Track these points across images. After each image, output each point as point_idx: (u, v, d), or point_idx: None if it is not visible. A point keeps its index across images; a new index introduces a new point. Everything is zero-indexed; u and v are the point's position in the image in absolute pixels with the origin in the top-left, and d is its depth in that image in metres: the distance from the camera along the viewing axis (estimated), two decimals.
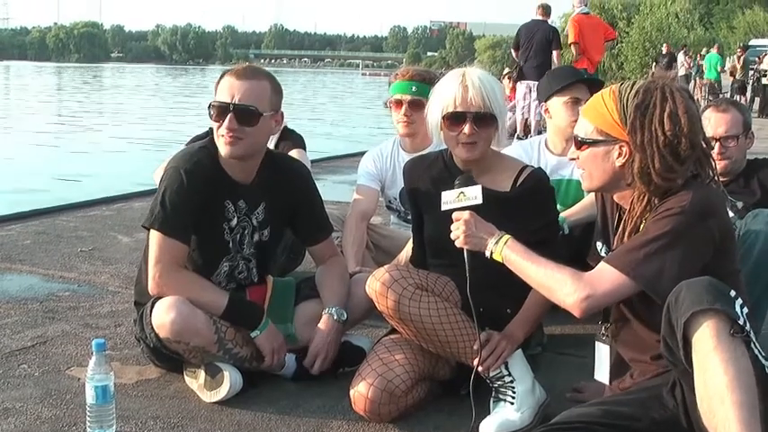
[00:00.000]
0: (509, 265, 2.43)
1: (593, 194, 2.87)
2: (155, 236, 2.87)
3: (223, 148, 2.88)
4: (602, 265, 2.29)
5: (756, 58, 24.71)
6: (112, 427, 2.47)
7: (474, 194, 2.56)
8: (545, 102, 3.91)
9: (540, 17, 11.51)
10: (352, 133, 18.84)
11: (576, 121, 2.47)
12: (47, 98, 32.82)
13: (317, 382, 2.97)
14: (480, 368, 2.62)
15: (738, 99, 20.88)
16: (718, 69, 24.86)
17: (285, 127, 4.63)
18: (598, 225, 2.60)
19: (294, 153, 4.22)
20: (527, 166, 2.93)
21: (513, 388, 2.64)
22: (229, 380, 2.81)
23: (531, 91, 10.81)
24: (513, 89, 12.69)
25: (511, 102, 11.43)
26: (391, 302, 2.60)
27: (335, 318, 3.00)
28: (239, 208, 3.00)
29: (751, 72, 24.36)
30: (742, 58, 25.04)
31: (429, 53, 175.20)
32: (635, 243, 2.25)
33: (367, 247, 3.89)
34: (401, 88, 3.88)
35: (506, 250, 2.43)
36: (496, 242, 2.46)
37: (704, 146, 2.30)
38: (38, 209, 6.46)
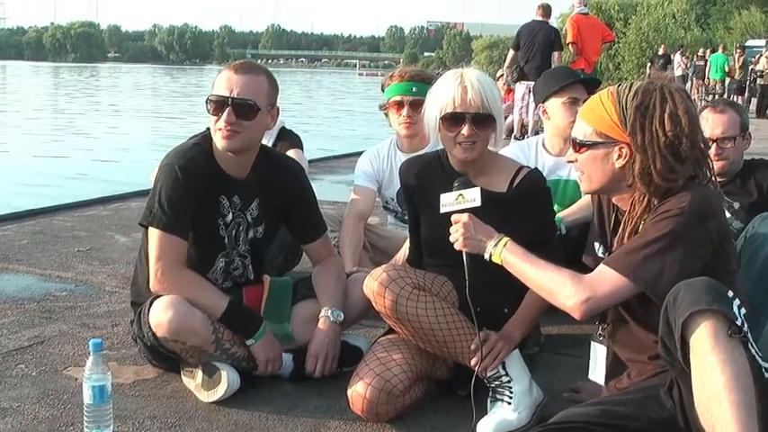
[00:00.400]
0: (508, 267, 2.43)
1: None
2: (154, 234, 2.87)
3: (220, 142, 2.88)
4: (601, 268, 2.29)
5: (752, 59, 24.73)
6: (109, 427, 2.47)
7: (473, 197, 2.56)
8: (542, 103, 3.91)
9: (540, 18, 11.50)
10: (349, 133, 18.82)
11: (575, 121, 2.47)
12: (43, 98, 32.77)
13: (314, 382, 2.96)
14: (478, 368, 2.62)
15: (736, 99, 20.91)
16: (725, 69, 24.85)
17: (283, 127, 4.64)
18: (594, 226, 2.59)
19: (291, 153, 4.22)
20: (523, 166, 2.93)
21: (511, 388, 2.64)
22: (227, 379, 2.81)
23: (530, 91, 10.80)
24: (508, 91, 12.72)
25: (505, 104, 11.42)
26: (389, 302, 2.60)
27: (332, 319, 3.00)
28: (234, 203, 3.00)
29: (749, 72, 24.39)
30: (741, 58, 25.05)
31: (426, 53, 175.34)
32: (634, 245, 2.25)
33: (364, 248, 3.89)
34: (401, 89, 3.88)
35: (505, 253, 2.43)
36: (495, 245, 2.46)
37: (702, 146, 2.31)
38: (35, 208, 6.45)
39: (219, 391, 2.81)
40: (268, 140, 4.41)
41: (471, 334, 2.63)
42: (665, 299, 2.08)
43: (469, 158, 2.80)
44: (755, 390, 1.94)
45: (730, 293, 2.04)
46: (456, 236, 2.52)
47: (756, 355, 2.05)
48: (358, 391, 2.64)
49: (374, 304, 2.66)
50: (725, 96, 22.66)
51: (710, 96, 23.62)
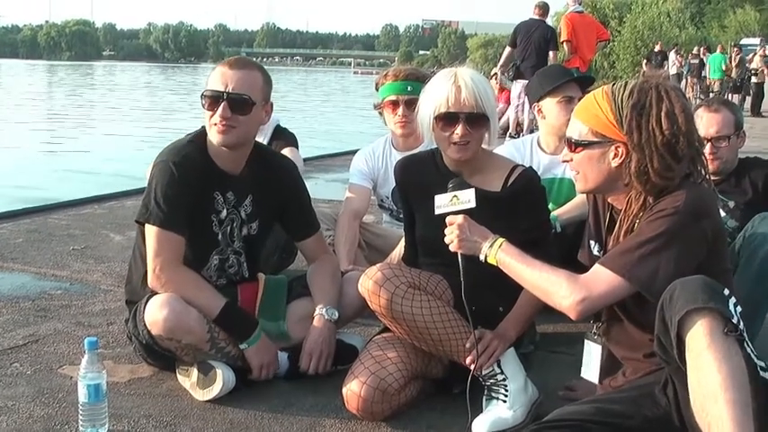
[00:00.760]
0: (504, 268, 2.43)
1: None
2: (151, 231, 2.86)
3: (215, 137, 2.89)
4: (597, 267, 2.29)
5: (747, 57, 24.75)
6: (105, 425, 2.47)
7: (467, 198, 2.55)
8: (537, 102, 3.91)
9: (537, 16, 11.49)
10: (344, 131, 18.81)
11: (570, 119, 2.47)
12: (38, 96, 32.69)
13: (309, 381, 2.96)
14: (473, 366, 2.62)
15: (731, 98, 20.93)
16: (723, 69, 24.87)
17: (278, 125, 4.64)
18: (590, 224, 2.60)
19: (287, 151, 4.22)
20: (518, 165, 2.92)
21: (506, 386, 2.64)
22: (222, 378, 2.81)
23: None
24: (500, 91, 12.71)
25: (498, 104, 11.42)
26: (384, 301, 2.60)
27: (327, 317, 3.00)
28: (228, 200, 3.00)
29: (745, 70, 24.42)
30: (738, 56, 25.07)
31: (421, 51, 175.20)
32: (629, 244, 2.25)
33: (359, 246, 3.89)
34: (396, 89, 3.87)
35: (501, 254, 2.43)
36: (491, 246, 2.45)
37: (698, 144, 2.31)
38: (30, 207, 6.45)
39: (215, 390, 2.81)
40: (263, 138, 4.40)
41: (466, 333, 2.63)
42: (660, 298, 2.08)
43: (464, 158, 2.79)
44: (751, 388, 1.94)
45: (726, 291, 2.04)
46: (451, 237, 2.51)
47: (752, 354, 2.06)
48: (353, 389, 2.64)
49: (369, 303, 2.66)
50: (721, 94, 22.68)
51: (708, 94, 23.62)
